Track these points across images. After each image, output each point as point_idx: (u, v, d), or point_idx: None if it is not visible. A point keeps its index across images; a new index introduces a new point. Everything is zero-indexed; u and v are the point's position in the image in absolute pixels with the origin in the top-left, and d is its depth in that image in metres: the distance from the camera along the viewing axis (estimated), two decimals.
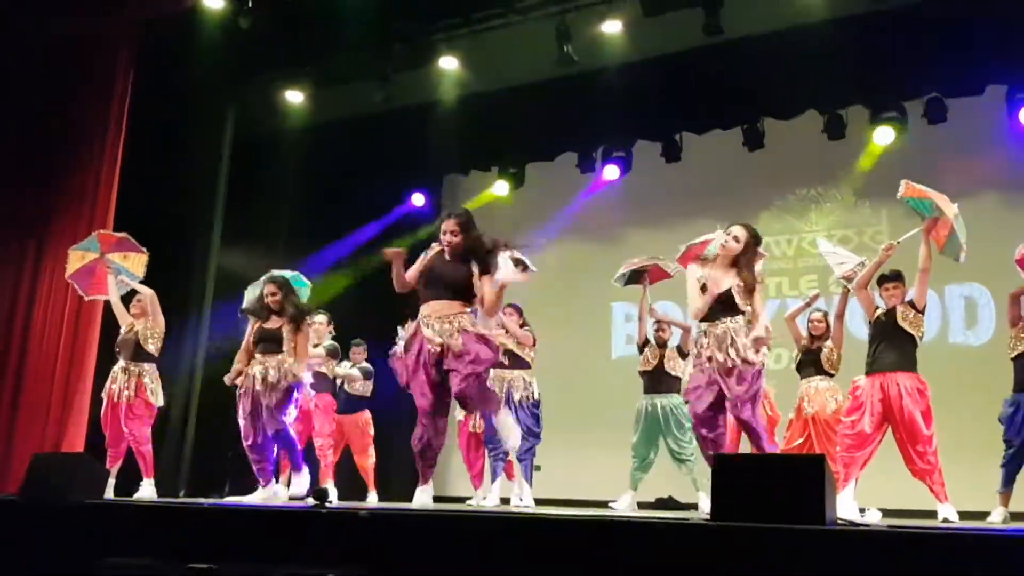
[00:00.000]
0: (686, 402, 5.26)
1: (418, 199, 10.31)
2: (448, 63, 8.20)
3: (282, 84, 8.82)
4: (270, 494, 5.69)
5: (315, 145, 9.22)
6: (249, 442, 5.70)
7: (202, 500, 5.65)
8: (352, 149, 9.46)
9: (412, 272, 4.93)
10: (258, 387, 5.65)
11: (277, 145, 9.29)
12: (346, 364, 7.60)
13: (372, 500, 7.55)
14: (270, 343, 5.75)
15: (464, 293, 4.84)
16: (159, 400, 6.54)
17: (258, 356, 5.75)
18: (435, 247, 4.97)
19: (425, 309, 4.85)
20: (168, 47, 8.22)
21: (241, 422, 5.72)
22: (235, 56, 8.21)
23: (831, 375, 6.41)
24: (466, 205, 10.11)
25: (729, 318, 4.69)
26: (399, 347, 4.93)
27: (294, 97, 8.86)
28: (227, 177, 8.62)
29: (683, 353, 6.76)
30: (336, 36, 7.98)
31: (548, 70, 8.15)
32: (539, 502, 6.99)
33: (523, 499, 6.74)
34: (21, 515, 4.79)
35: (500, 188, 9.88)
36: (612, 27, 7.59)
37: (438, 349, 4.72)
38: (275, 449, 5.84)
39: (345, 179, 9.68)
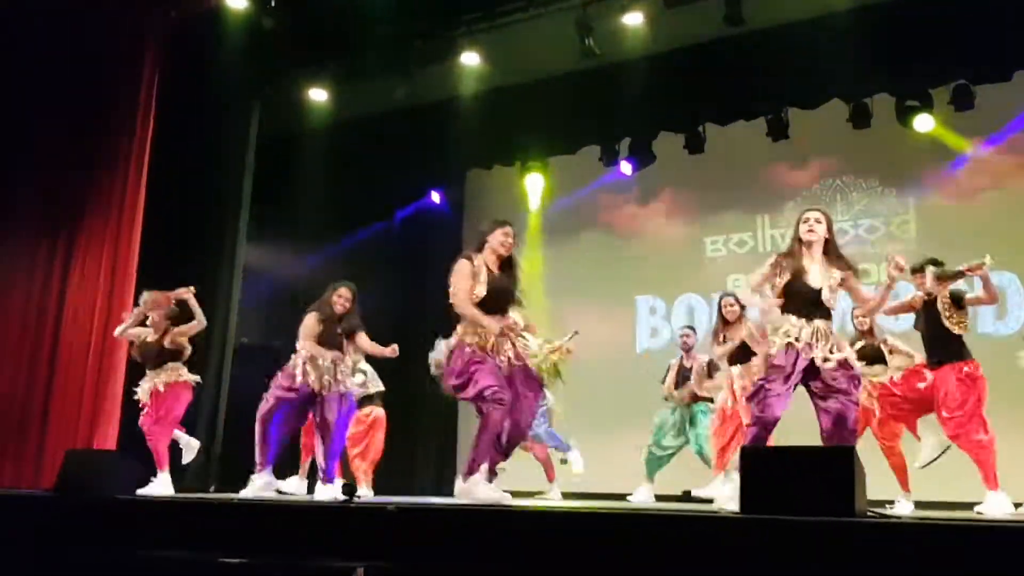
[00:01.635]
0: None
1: (434, 196, 10.36)
2: (469, 58, 8.20)
3: (305, 82, 8.85)
4: (264, 483, 5.65)
5: (339, 142, 9.25)
6: (264, 417, 5.70)
7: (233, 495, 5.69)
8: (376, 145, 9.49)
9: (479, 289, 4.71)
10: (312, 382, 5.71)
11: (301, 142, 9.33)
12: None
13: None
14: (330, 343, 5.83)
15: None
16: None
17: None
18: (476, 258, 4.76)
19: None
20: (193, 47, 8.29)
21: (271, 398, 5.72)
22: (259, 55, 8.28)
23: None
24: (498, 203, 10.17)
25: None
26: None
27: (317, 95, 8.90)
28: (252, 174, 8.69)
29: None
30: (358, 34, 8.01)
31: (570, 63, 8.13)
32: (563, 495, 7.01)
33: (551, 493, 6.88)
34: (55, 510, 4.88)
35: (535, 182, 9.87)
36: (633, 19, 7.57)
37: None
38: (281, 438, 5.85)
39: (369, 175, 9.72)
